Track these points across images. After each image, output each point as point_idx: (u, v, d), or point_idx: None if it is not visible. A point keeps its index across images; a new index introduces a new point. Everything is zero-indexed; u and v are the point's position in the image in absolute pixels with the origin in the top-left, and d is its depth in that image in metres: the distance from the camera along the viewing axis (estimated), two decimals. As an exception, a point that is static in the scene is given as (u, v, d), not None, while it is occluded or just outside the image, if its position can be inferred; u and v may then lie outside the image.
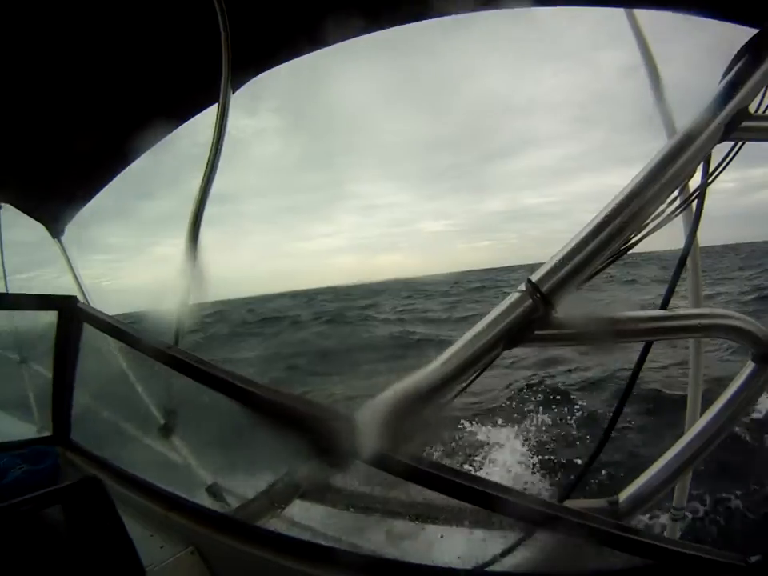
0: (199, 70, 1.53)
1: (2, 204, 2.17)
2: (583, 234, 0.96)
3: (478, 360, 0.94)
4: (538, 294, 0.93)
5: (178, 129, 1.79)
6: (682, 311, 1.04)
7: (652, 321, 1.02)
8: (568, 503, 1.14)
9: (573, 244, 0.97)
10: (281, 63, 1.57)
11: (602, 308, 1.01)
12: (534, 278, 0.95)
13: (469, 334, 0.95)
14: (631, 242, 1.05)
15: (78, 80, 1.52)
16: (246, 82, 1.64)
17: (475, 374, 0.97)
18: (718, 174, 1.15)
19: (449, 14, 1.38)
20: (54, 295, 1.46)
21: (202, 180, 1.55)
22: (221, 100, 1.57)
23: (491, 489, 0.88)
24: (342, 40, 1.47)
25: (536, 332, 0.95)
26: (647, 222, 1.03)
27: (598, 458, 1.20)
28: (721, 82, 0.99)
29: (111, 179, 1.93)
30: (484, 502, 0.87)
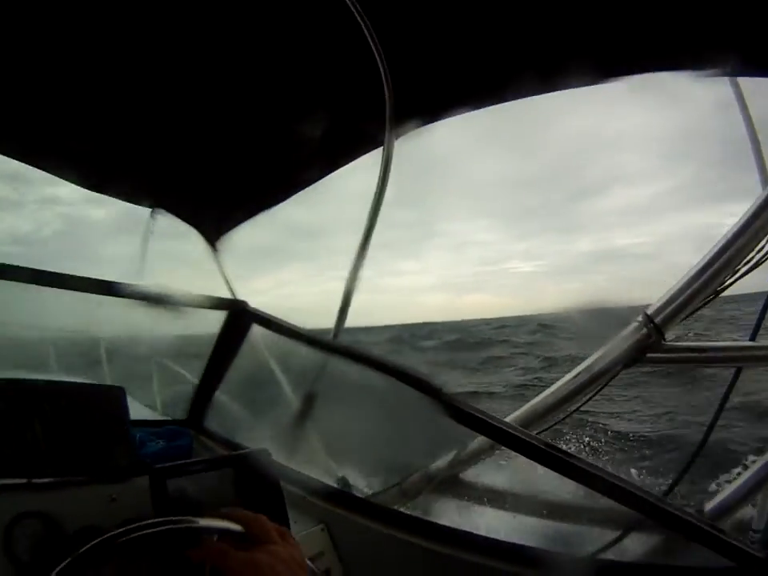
0: (363, 117, 1.67)
1: (159, 211, 2.26)
2: (693, 272, 1.16)
3: (601, 376, 1.17)
4: (651, 324, 1.16)
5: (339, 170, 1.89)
6: (765, 342, 1.24)
7: (740, 350, 1.23)
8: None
9: (683, 281, 1.17)
10: (444, 118, 1.63)
11: (702, 338, 1.22)
12: (650, 310, 1.17)
13: (594, 355, 1.18)
14: (734, 278, 1.20)
15: (262, 109, 1.64)
16: (408, 132, 1.69)
17: (598, 389, 1.19)
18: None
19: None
20: (225, 297, 1.65)
21: (365, 228, 1.71)
22: (385, 147, 1.66)
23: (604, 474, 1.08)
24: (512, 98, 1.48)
25: (648, 354, 1.17)
26: (749, 258, 1.17)
27: (689, 470, 1.37)
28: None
29: (273, 205, 2.07)
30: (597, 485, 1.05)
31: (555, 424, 1.22)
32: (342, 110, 1.70)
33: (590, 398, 1.21)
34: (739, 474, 1.27)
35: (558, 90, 1.31)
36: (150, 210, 2.25)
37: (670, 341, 1.18)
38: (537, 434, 1.22)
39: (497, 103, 1.44)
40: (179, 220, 2.31)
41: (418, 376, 1.15)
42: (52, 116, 1.66)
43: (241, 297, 1.61)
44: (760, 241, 1.17)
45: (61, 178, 1.99)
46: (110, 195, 2.15)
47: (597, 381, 1.17)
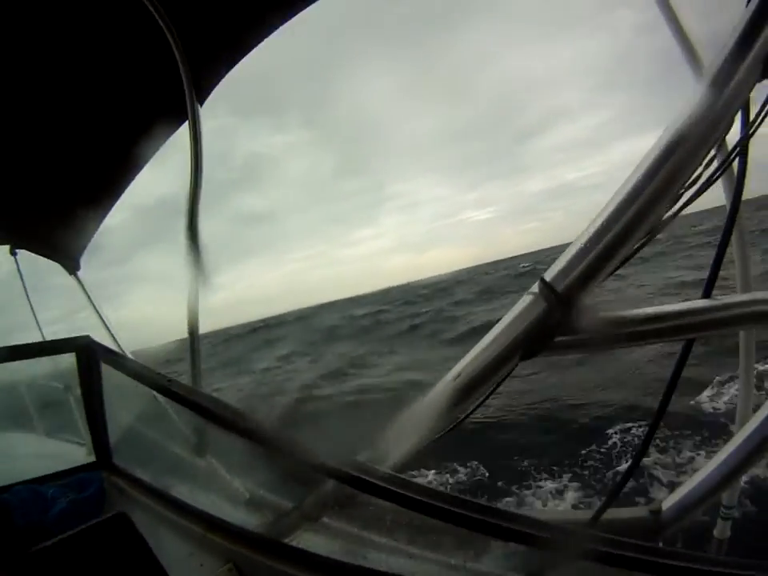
0: (166, 89, 1.54)
1: (17, 250, 2.26)
2: (604, 217, 0.82)
3: (492, 374, 0.86)
4: (553, 296, 0.83)
5: (167, 141, 1.80)
6: (728, 299, 0.89)
7: (693, 314, 0.88)
8: (609, 512, 1.04)
9: (592, 231, 0.83)
10: (237, 61, 1.51)
11: (631, 304, 0.89)
12: (548, 276, 0.84)
13: (479, 346, 0.86)
14: (663, 218, 0.90)
15: (61, 123, 1.59)
16: (211, 90, 1.63)
17: (490, 390, 0.88)
18: (762, 121, 0.95)
19: None
20: (69, 338, 1.51)
21: (187, 210, 1.56)
22: (189, 116, 1.58)
23: (511, 520, 0.81)
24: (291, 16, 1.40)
25: (556, 339, 0.85)
26: (681, 191, 0.86)
27: (638, 466, 1.09)
28: (748, 4, 0.79)
29: (112, 205, 1.99)
30: (505, 533, 0.80)
31: (428, 444, 0.93)
32: (145, 90, 1.55)
33: (479, 406, 0.91)
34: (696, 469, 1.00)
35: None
36: (9, 249, 2.20)
37: (584, 314, 0.85)
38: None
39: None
40: (34, 253, 2.24)
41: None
42: None
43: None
44: (697, 157, 0.82)
45: None
46: None
47: (485, 382, 0.86)
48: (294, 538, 1.27)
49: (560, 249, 0.97)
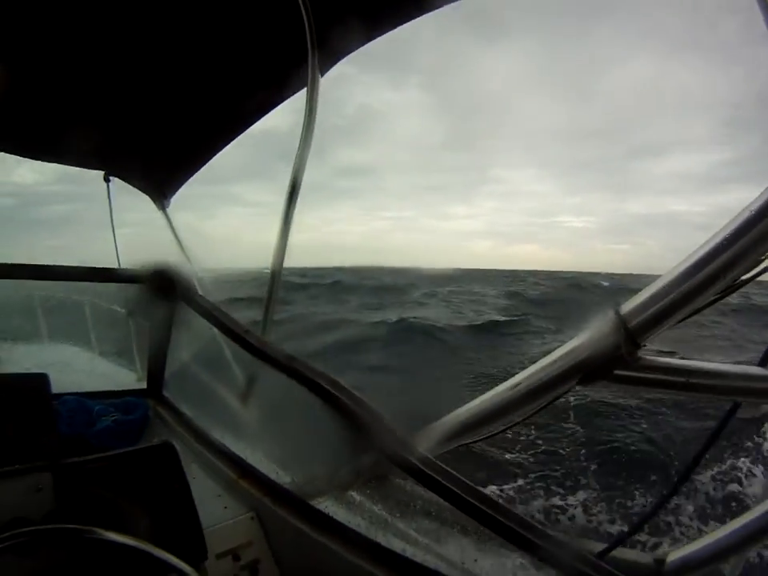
0: (290, 55, 1.61)
1: (111, 177, 2.40)
2: (687, 264, 0.85)
3: (548, 391, 0.93)
4: (623, 330, 0.89)
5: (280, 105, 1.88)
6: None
7: (745, 379, 0.92)
8: (618, 551, 1.08)
9: (673, 275, 0.86)
10: (367, 42, 1.57)
11: (692, 356, 0.94)
12: (623, 309, 0.90)
13: (543, 362, 0.94)
14: (743, 278, 0.92)
15: (179, 64, 1.67)
16: (334, 64, 1.67)
17: (543, 405, 0.95)
18: None
19: None
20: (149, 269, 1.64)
21: (293, 172, 1.64)
22: (309, 85, 1.61)
23: (527, 529, 0.87)
24: (427, 11, 1.43)
25: (615, 371, 0.91)
26: (763, 257, 0.86)
27: (657, 514, 1.12)
28: None
29: (213, 154, 2.07)
30: (519, 539, 0.86)
31: (484, 438, 1.00)
32: (266, 51, 1.62)
33: (529, 418, 0.97)
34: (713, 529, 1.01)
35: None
36: (104, 176, 2.33)
37: (647, 355, 0.91)
38: (462, 446, 1.02)
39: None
40: (129, 185, 2.37)
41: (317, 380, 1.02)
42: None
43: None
44: None
45: (13, 153, 2.08)
46: (62, 164, 2.24)
47: (540, 396, 0.93)
48: (320, 503, 1.36)
49: (646, 278, 1.01)
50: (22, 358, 3.20)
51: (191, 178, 2.24)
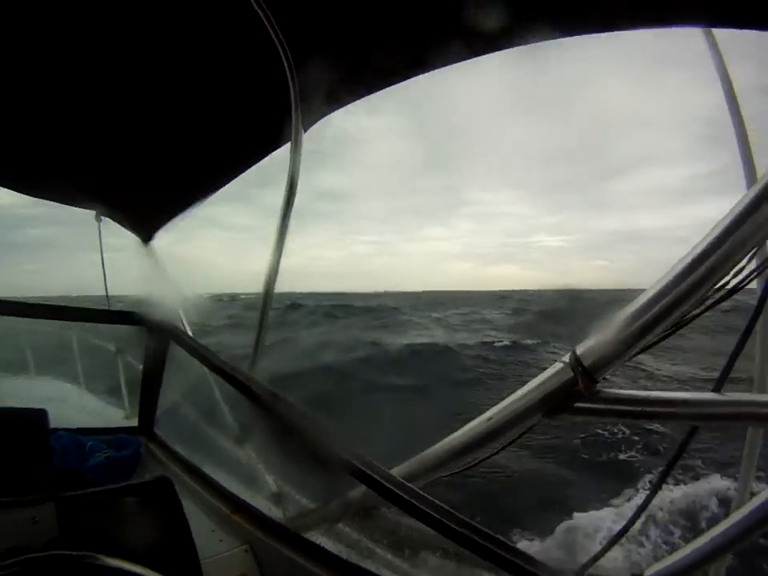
0: (277, 110, 1.70)
1: (102, 217, 2.48)
2: (637, 305, 0.94)
3: (518, 422, 1.01)
4: (580, 368, 0.98)
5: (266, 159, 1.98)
6: (739, 396, 1.02)
7: (701, 405, 1.02)
8: (595, 568, 1.15)
9: (625, 314, 0.94)
10: (351, 102, 1.66)
11: (646, 386, 1.03)
12: (579, 349, 0.99)
13: (513, 397, 1.02)
14: (692, 314, 0.98)
15: (170, 116, 1.79)
16: (317, 121, 1.79)
17: (515, 437, 1.04)
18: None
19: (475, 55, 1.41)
20: (144, 314, 1.70)
21: (279, 225, 1.73)
22: (292, 139, 1.73)
23: (509, 551, 0.95)
24: (414, 75, 1.53)
25: (576, 404, 1.00)
26: (717, 286, 0.91)
27: (628, 531, 1.19)
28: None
29: (198, 201, 2.17)
30: (500, 561, 0.94)
31: (463, 470, 1.08)
32: (253, 106, 1.73)
33: (498, 452, 1.05)
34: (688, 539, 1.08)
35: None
36: (95, 216, 2.41)
37: (606, 387, 1.00)
38: (427, 484, 1.09)
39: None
40: (116, 223, 2.46)
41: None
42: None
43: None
44: (739, 257, 0.87)
45: (6, 188, 2.15)
46: (54, 201, 2.31)
47: (507, 431, 1.02)
48: (312, 536, 1.41)
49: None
50: (10, 393, 3.17)
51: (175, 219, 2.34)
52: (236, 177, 1.99)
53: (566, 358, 1.01)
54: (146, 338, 1.65)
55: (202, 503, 1.67)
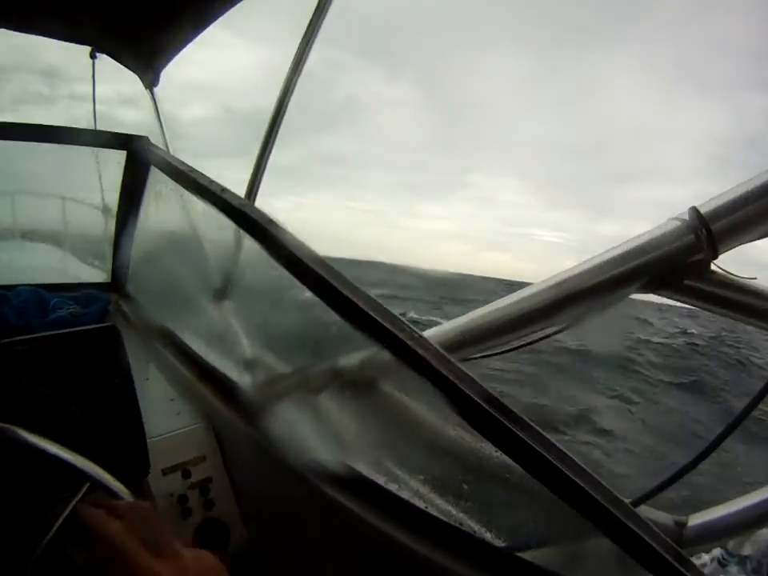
0: None
1: (98, 54, 2.19)
2: None
3: (600, 294, 0.74)
4: (705, 233, 0.71)
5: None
6: None
7: None
8: (641, 508, 0.95)
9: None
10: None
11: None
12: (703, 209, 0.71)
13: (597, 258, 0.75)
14: None
15: None
16: None
17: (588, 311, 0.77)
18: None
19: None
20: (123, 133, 1.39)
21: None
22: None
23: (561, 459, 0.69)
24: None
25: (686, 281, 0.73)
26: None
27: (690, 471, 0.98)
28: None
29: (205, 26, 1.86)
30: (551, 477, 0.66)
31: (520, 347, 0.81)
32: None
33: (568, 327, 0.78)
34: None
35: None
36: (90, 50, 2.13)
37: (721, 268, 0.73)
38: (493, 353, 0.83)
39: None
40: (114, 60, 2.17)
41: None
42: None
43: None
44: None
45: None
46: (47, 37, 2.01)
47: (587, 297, 0.74)
48: (285, 407, 1.16)
49: None
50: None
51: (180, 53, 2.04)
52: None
53: (684, 216, 0.73)
54: (125, 165, 1.36)
55: (166, 368, 1.44)
